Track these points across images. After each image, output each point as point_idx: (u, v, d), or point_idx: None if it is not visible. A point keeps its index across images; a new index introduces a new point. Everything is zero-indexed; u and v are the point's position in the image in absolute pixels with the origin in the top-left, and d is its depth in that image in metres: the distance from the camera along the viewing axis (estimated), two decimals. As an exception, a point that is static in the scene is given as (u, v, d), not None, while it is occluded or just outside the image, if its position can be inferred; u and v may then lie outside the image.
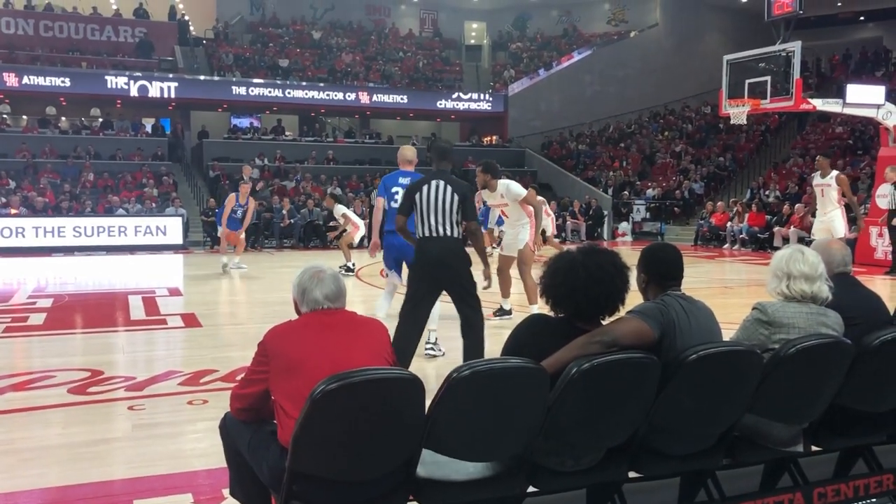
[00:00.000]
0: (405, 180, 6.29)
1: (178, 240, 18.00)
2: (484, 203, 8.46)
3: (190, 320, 8.13)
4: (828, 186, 10.50)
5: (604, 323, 2.81)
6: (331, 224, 16.27)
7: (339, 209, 13.84)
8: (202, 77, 25.74)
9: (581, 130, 28.88)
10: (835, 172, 10.64)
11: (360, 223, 13.63)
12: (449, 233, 5.11)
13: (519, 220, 7.90)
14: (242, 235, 13.40)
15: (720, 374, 2.73)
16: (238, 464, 2.79)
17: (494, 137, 28.40)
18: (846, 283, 3.34)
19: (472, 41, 33.38)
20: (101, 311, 8.91)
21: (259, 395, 2.62)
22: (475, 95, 28.10)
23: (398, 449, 2.41)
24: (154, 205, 19.82)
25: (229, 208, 12.97)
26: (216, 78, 25.81)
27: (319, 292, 2.67)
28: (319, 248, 18.46)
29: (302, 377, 2.40)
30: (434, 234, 5.12)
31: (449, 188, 5.12)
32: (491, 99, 28.19)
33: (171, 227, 18.15)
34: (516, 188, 7.71)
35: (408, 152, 6.70)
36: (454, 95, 27.78)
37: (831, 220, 10.47)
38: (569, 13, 32.01)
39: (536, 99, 28.47)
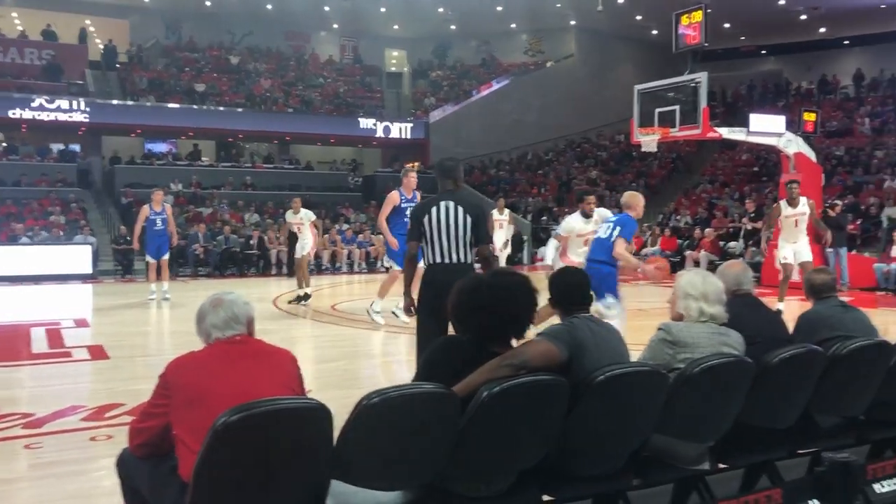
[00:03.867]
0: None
1: (88, 269, 17.31)
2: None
3: (97, 352, 7.80)
4: (803, 215, 10.10)
5: (515, 345, 2.83)
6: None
7: (311, 214, 12.42)
8: (115, 101, 25.03)
9: (501, 157, 29.31)
10: (805, 199, 10.24)
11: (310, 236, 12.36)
12: (462, 258, 4.74)
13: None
14: (166, 256, 12.49)
15: (628, 394, 2.77)
16: (138, 503, 2.67)
17: (416, 164, 28.51)
18: (747, 303, 3.47)
19: (393, 68, 33.57)
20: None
21: (159, 429, 2.50)
22: (397, 122, 28.22)
23: (306, 481, 2.34)
24: (62, 233, 19.04)
25: (142, 220, 12.13)
26: (130, 102, 25.14)
27: (212, 319, 2.59)
28: (236, 276, 18.07)
29: (205, 409, 2.31)
30: (444, 261, 4.74)
31: (461, 209, 4.76)
32: (412, 126, 28.34)
33: (80, 256, 17.45)
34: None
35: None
36: (375, 122, 27.81)
37: (800, 247, 10.16)
38: (487, 43, 32.56)
39: (457, 126, 28.77)
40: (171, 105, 25.39)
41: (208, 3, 28.14)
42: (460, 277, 4.50)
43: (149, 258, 12.39)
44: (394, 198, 8.95)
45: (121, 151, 25.46)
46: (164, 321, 10.86)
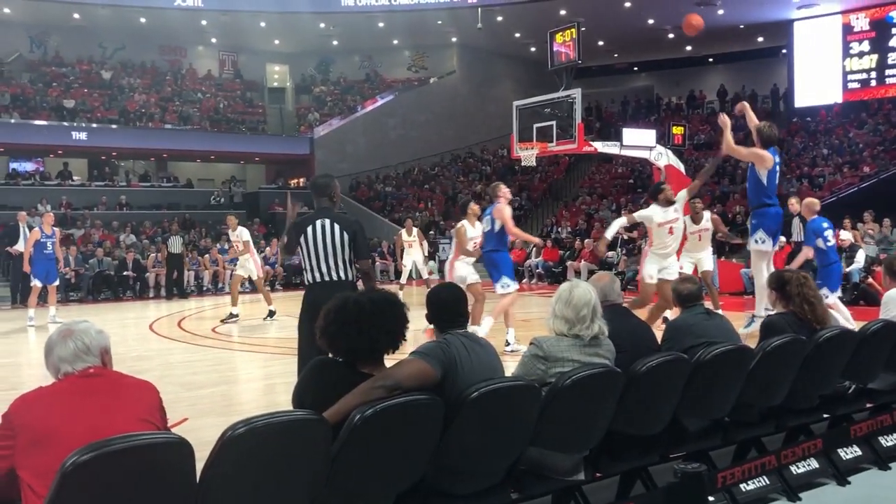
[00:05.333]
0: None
1: (-56, 298, 16.09)
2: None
3: (-50, 389, 7.22)
4: (706, 230, 9.95)
5: (387, 366, 2.80)
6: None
7: (245, 233, 12.25)
8: (-27, 118, 23.46)
9: (387, 173, 29.32)
10: (708, 214, 10.15)
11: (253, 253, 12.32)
12: (342, 276, 4.70)
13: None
14: (57, 282, 12.53)
15: (501, 409, 2.79)
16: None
17: (301, 180, 28.11)
18: (615, 313, 3.57)
19: (276, 84, 32.97)
20: None
21: (2, 474, 2.30)
22: (280, 138, 27.76)
23: (167, 521, 2.21)
24: (-87, 260, 17.62)
25: (33, 242, 11.87)
26: (-9, 119, 23.63)
27: (60, 352, 2.42)
28: (111, 300, 17.21)
29: (53, 450, 2.15)
30: (324, 279, 4.68)
31: (337, 226, 4.71)
32: (297, 141, 27.96)
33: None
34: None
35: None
36: (258, 138, 27.27)
37: (701, 258, 9.91)
38: (370, 58, 32.54)
39: (343, 141, 28.58)
40: (37, 122, 23.99)
41: (77, 16, 26.78)
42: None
43: (36, 282, 12.14)
44: (509, 209, 8.54)
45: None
46: (28, 351, 10.19)
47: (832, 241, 8.47)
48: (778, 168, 7.13)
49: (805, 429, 4.14)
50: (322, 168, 27.97)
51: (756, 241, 6.97)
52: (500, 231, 8.38)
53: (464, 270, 9.06)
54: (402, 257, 14.52)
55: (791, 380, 3.86)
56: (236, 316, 11.95)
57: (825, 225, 8.48)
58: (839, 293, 8.75)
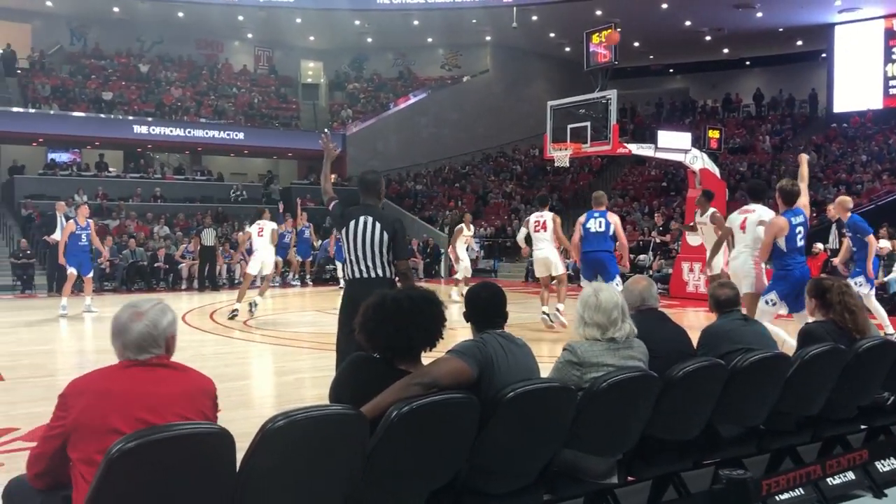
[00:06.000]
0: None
1: (-17, 284, 16.43)
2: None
3: (-10, 373, 7.37)
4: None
5: (425, 363, 2.81)
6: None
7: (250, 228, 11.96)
8: (15, 109, 23.91)
9: (418, 171, 29.39)
10: (712, 209, 9.91)
11: (261, 248, 11.90)
12: (380, 273, 4.74)
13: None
14: (90, 274, 12.66)
15: (537, 410, 2.79)
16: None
17: (333, 176, 28.17)
18: (653, 318, 3.54)
19: (310, 80, 33.20)
20: None
21: (57, 455, 2.32)
22: (313, 134, 27.91)
23: (207, 510, 2.24)
24: (-45, 246, 18.04)
25: (68, 234, 12.02)
26: (32, 110, 24.07)
27: (125, 336, 2.39)
28: (144, 290, 17.45)
29: (105, 436, 2.18)
30: (363, 276, 4.73)
31: (378, 225, 4.76)
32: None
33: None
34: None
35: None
36: (291, 133, 27.47)
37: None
38: (404, 56, 32.63)
39: (374, 139, 28.69)
40: (76, 113, 24.42)
41: (116, 10, 27.21)
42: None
43: (72, 270, 12.25)
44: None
45: (21, 161, 24.33)
46: (66, 339, 10.38)
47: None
48: (799, 228, 6.89)
49: (842, 439, 4.08)
50: (353, 165, 28.12)
51: (767, 303, 6.65)
52: (613, 235, 9.42)
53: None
54: (455, 251, 14.50)
55: (829, 389, 3.81)
56: (255, 307, 11.93)
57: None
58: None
